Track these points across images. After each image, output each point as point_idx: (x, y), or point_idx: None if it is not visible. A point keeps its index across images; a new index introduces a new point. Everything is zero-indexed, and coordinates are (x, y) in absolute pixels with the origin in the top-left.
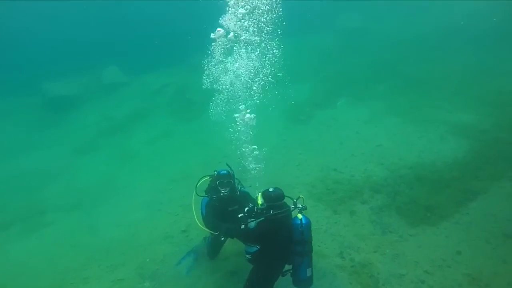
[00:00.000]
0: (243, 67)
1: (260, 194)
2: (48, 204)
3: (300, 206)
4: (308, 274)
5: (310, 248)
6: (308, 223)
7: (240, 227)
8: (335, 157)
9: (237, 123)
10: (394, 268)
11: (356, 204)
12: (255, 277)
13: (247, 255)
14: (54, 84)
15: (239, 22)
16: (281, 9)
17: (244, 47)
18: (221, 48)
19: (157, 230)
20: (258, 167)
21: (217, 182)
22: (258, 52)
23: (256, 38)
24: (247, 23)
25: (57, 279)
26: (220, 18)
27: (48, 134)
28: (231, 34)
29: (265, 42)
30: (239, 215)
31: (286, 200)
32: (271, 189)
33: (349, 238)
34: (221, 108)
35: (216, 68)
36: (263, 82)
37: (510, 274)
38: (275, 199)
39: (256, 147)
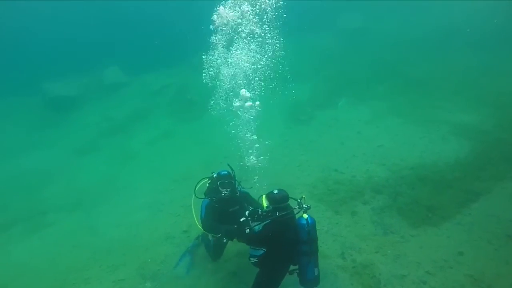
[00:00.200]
0: (243, 56)
1: (264, 196)
2: (49, 205)
3: (304, 206)
4: (316, 273)
5: (316, 247)
6: (314, 223)
7: (245, 231)
8: (336, 158)
9: (239, 111)
10: (396, 269)
11: (357, 204)
12: (263, 279)
13: (252, 259)
14: (54, 84)
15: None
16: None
17: (245, 38)
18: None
19: (158, 231)
20: (261, 159)
21: (218, 183)
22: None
23: (257, 29)
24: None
25: (59, 279)
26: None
27: (49, 134)
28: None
29: (265, 32)
30: (242, 219)
31: (289, 201)
32: (275, 191)
33: (351, 238)
34: (222, 100)
35: (217, 58)
36: (264, 74)
37: None
38: (280, 201)
39: (256, 136)
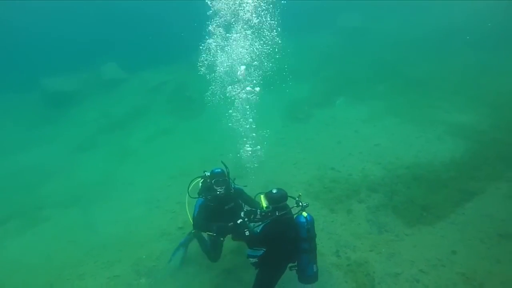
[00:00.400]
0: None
1: (263, 196)
2: (45, 200)
3: (302, 204)
4: (314, 269)
5: (315, 245)
6: (313, 220)
7: (245, 233)
8: (333, 156)
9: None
10: (390, 267)
11: (353, 203)
12: (264, 279)
13: (251, 259)
14: (53, 80)
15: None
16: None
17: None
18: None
19: (154, 227)
20: (258, 148)
21: (213, 181)
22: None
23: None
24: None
25: (53, 275)
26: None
27: (47, 131)
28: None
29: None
30: (239, 221)
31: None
32: (274, 191)
33: (346, 237)
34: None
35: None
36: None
37: (503, 274)
38: (279, 200)
39: (254, 125)
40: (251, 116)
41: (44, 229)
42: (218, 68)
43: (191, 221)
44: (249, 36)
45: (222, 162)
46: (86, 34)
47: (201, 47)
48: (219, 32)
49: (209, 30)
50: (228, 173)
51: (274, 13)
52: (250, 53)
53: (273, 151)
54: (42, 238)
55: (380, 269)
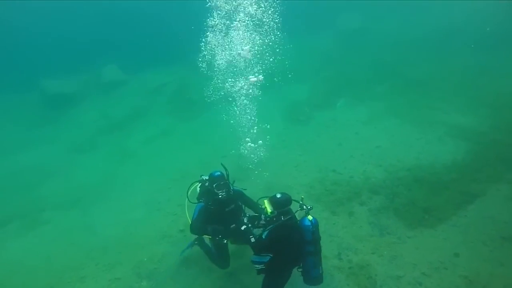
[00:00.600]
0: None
1: (267, 201)
2: (46, 202)
3: (307, 207)
4: (320, 271)
5: (320, 247)
6: (317, 223)
7: (251, 240)
8: (334, 158)
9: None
10: (392, 270)
11: (354, 205)
12: (271, 285)
13: (257, 266)
14: (53, 81)
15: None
16: None
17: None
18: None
19: (155, 229)
20: (259, 143)
21: (214, 185)
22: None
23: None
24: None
25: (54, 277)
26: None
27: (47, 132)
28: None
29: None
30: (243, 227)
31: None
32: (278, 195)
33: (347, 239)
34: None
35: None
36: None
37: (507, 277)
38: (284, 204)
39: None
40: (253, 110)
41: (44, 231)
42: (218, 61)
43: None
44: (250, 26)
45: (221, 164)
46: (86, 35)
47: (201, 43)
48: (220, 23)
49: (209, 24)
50: (227, 175)
51: (274, 13)
52: (251, 42)
53: (274, 153)
54: (42, 240)
55: (382, 272)
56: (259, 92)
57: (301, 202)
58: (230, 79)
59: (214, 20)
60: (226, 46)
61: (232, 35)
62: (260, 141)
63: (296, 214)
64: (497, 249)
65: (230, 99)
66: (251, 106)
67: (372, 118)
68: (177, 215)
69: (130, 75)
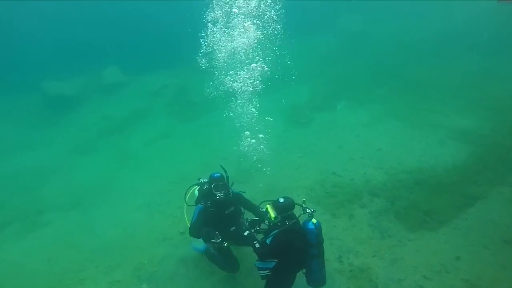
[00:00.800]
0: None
1: (270, 206)
2: (46, 204)
3: (310, 210)
4: (323, 273)
5: (323, 249)
6: (320, 226)
7: (255, 246)
8: (335, 161)
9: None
10: (393, 273)
11: (355, 208)
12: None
13: (263, 272)
14: (54, 83)
15: None
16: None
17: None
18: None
19: (155, 232)
20: (260, 137)
21: (212, 186)
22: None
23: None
24: None
25: (54, 280)
26: None
27: (47, 133)
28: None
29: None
30: (246, 233)
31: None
32: (281, 200)
33: (348, 242)
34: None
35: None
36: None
37: (509, 281)
38: (288, 209)
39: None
40: (253, 101)
41: (44, 233)
42: (219, 54)
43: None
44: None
45: (221, 166)
46: (87, 37)
47: (201, 37)
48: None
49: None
50: (227, 178)
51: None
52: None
53: (274, 155)
54: (42, 242)
55: (383, 274)
56: (260, 86)
57: (304, 206)
58: (231, 71)
59: (215, 11)
60: (227, 36)
61: (233, 23)
62: (261, 135)
63: (299, 217)
64: (499, 252)
65: (231, 90)
66: (252, 98)
67: (373, 121)
68: (177, 217)
69: (131, 77)
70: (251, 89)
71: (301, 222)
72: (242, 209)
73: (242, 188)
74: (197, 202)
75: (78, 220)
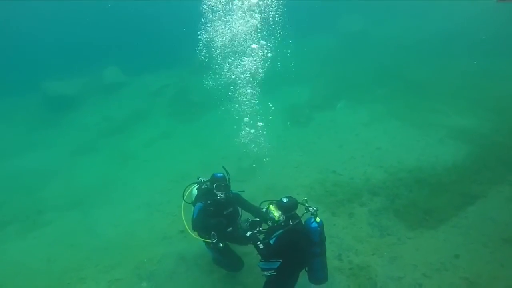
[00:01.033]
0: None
1: (273, 207)
2: (46, 204)
3: (313, 209)
4: (325, 271)
5: (325, 247)
6: (323, 224)
7: (259, 247)
8: (334, 160)
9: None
10: (392, 271)
11: (355, 206)
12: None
13: (267, 272)
14: (54, 83)
15: None
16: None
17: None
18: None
19: (155, 231)
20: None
21: (215, 186)
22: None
23: None
24: None
25: (54, 279)
26: None
27: (48, 134)
28: None
29: None
30: (248, 234)
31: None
32: (285, 199)
33: (348, 240)
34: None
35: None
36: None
37: (508, 279)
38: (292, 208)
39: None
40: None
41: (44, 233)
42: (218, 42)
43: (187, 228)
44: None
45: (223, 167)
46: (87, 37)
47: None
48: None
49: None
50: (229, 179)
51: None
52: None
53: (274, 154)
54: (42, 241)
55: (382, 273)
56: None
57: (306, 205)
58: (231, 59)
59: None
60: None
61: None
62: (261, 123)
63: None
64: (498, 250)
65: (233, 76)
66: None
67: (373, 120)
68: (177, 216)
69: (131, 77)
70: (251, 73)
71: (303, 221)
72: (240, 210)
73: (241, 187)
74: (196, 200)
75: (78, 220)
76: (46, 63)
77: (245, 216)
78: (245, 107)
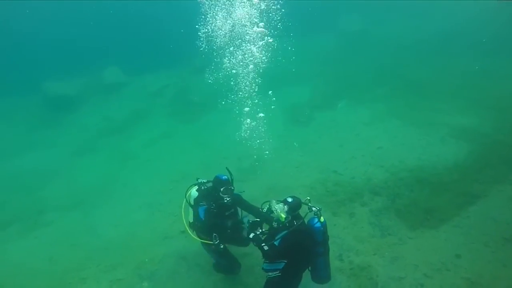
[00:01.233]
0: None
1: (279, 207)
2: (47, 204)
3: (316, 208)
4: (328, 270)
5: (328, 247)
6: (326, 223)
7: (264, 248)
8: (335, 159)
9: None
10: (393, 271)
11: (355, 206)
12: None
13: (271, 273)
14: (54, 83)
15: None
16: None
17: None
18: None
19: (156, 231)
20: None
21: (222, 189)
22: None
23: None
24: None
25: (55, 279)
26: None
27: (48, 134)
28: None
29: None
30: (251, 235)
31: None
32: (290, 199)
33: (348, 240)
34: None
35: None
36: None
37: (509, 279)
38: (296, 208)
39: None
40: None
41: (46, 233)
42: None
43: (187, 229)
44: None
45: (227, 168)
46: (88, 37)
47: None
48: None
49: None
50: (232, 180)
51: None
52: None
53: (274, 154)
54: (44, 241)
55: (383, 273)
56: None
57: (310, 204)
58: (231, 48)
59: None
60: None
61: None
62: (262, 114)
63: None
64: (499, 250)
65: (233, 71)
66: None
67: (374, 120)
68: (178, 216)
69: (131, 77)
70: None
71: (305, 221)
72: (240, 211)
73: (242, 187)
74: (197, 202)
75: (79, 220)
76: (46, 63)
77: (249, 218)
78: (246, 98)
